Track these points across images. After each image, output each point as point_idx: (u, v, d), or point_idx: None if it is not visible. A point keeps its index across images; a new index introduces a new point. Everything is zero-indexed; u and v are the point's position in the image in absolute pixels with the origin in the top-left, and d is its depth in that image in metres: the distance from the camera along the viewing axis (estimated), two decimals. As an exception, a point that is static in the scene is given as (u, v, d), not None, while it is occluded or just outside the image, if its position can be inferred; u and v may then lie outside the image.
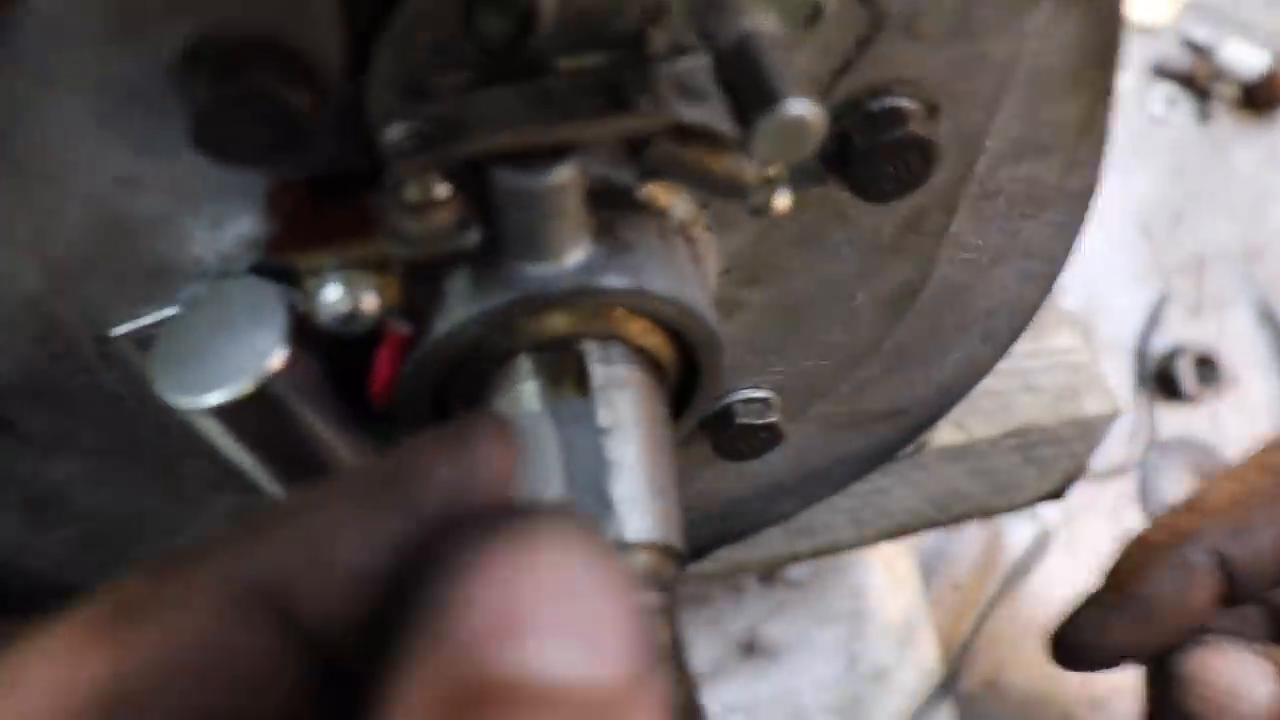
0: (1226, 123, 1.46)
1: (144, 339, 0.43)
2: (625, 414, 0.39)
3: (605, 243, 0.39)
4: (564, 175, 0.36)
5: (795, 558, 0.80)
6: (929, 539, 1.09)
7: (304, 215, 0.38)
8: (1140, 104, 1.45)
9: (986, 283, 0.55)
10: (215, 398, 0.39)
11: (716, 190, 0.40)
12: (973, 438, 0.77)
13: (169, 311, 0.42)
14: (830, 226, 0.49)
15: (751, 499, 0.66)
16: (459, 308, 0.38)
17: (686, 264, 0.43)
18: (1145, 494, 1.21)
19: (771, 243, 0.49)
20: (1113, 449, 1.23)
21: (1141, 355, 1.30)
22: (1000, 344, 0.60)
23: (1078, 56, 0.46)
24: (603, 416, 0.38)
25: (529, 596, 0.22)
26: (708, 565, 0.74)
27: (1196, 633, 0.62)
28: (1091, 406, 0.79)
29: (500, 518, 0.24)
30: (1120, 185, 1.39)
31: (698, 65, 0.37)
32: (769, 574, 0.99)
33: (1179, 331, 1.33)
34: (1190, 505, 0.65)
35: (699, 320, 0.41)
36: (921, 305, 0.55)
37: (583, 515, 0.29)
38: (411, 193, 0.36)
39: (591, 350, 0.40)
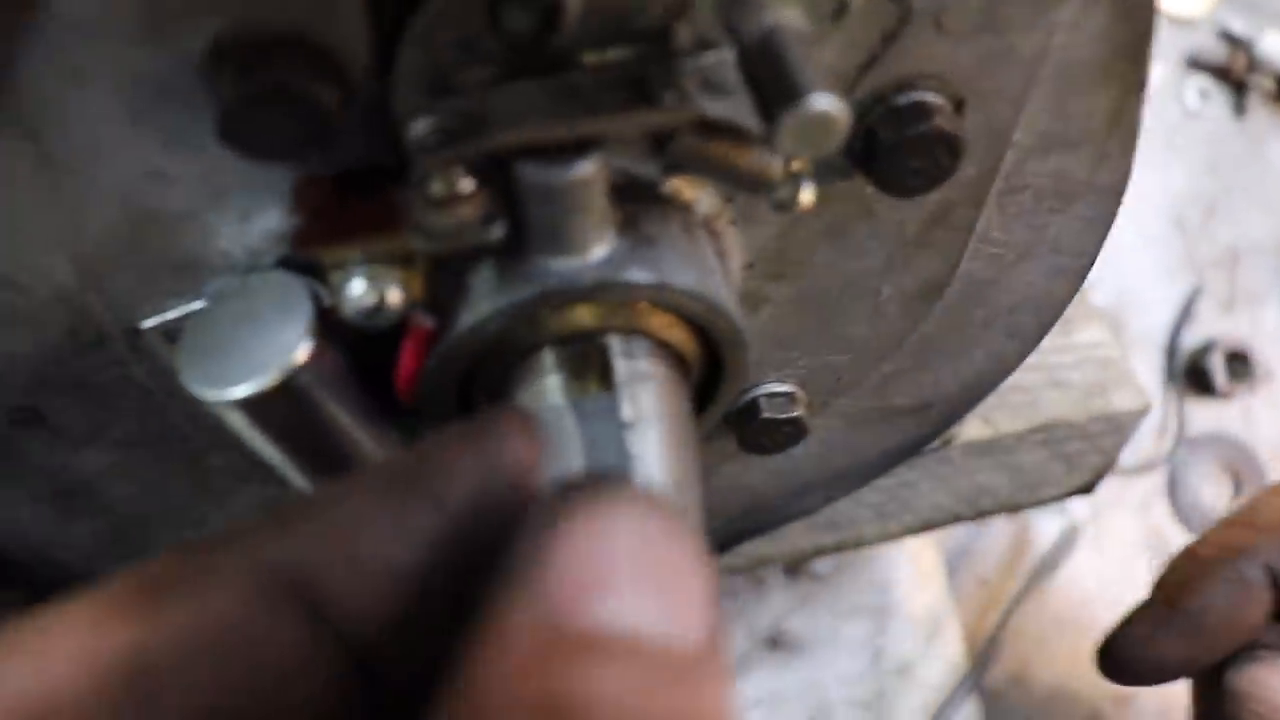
0: (1262, 115, 1.45)
1: (172, 332, 0.43)
2: (648, 408, 0.39)
3: (629, 237, 0.39)
4: (588, 170, 0.36)
5: (820, 552, 0.80)
6: (955, 533, 1.08)
7: (330, 210, 0.38)
8: (1175, 96, 1.43)
9: (1013, 278, 0.55)
10: (241, 391, 0.39)
11: (741, 185, 0.40)
12: (1000, 433, 0.76)
13: (196, 305, 0.43)
14: (855, 221, 0.49)
15: (776, 493, 0.66)
16: (483, 302, 0.38)
17: (710, 258, 0.43)
18: (1175, 490, 1.21)
19: (796, 237, 0.49)
20: (1142, 444, 1.22)
21: (1173, 350, 1.29)
22: (1027, 340, 0.59)
23: (1107, 49, 0.46)
24: (625, 411, 0.38)
25: (612, 559, 0.23)
26: (732, 559, 0.74)
27: (1248, 648, 0.62)
28: (1120, 402, 0.78)
29: (580, 489, 0.25)
30: (1153, 178, 1.38)
31: (722, 60, 0.37)
32: (794, 568, 0.99)
33: (1211, 326, 1.32)
34: (1242, 520, 0.65)
35: (723, 315, 0.41)
36: (947, 300, 0.54)
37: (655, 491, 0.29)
38: (436, 187, 0.36)
39: (615, 344, 0.40)
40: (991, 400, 0.65)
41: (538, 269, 0.38)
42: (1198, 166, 1.41)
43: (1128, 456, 1.17)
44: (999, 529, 1.12)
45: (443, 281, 0.39)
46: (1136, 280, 1.32)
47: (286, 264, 0.41)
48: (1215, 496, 1.21)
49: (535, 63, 0.36)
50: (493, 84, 0.35)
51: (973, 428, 0.76)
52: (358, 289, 0.38)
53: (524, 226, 0.37)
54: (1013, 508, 0.84)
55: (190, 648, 0.24)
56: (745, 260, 0.48)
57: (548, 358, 0.40)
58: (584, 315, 0.39)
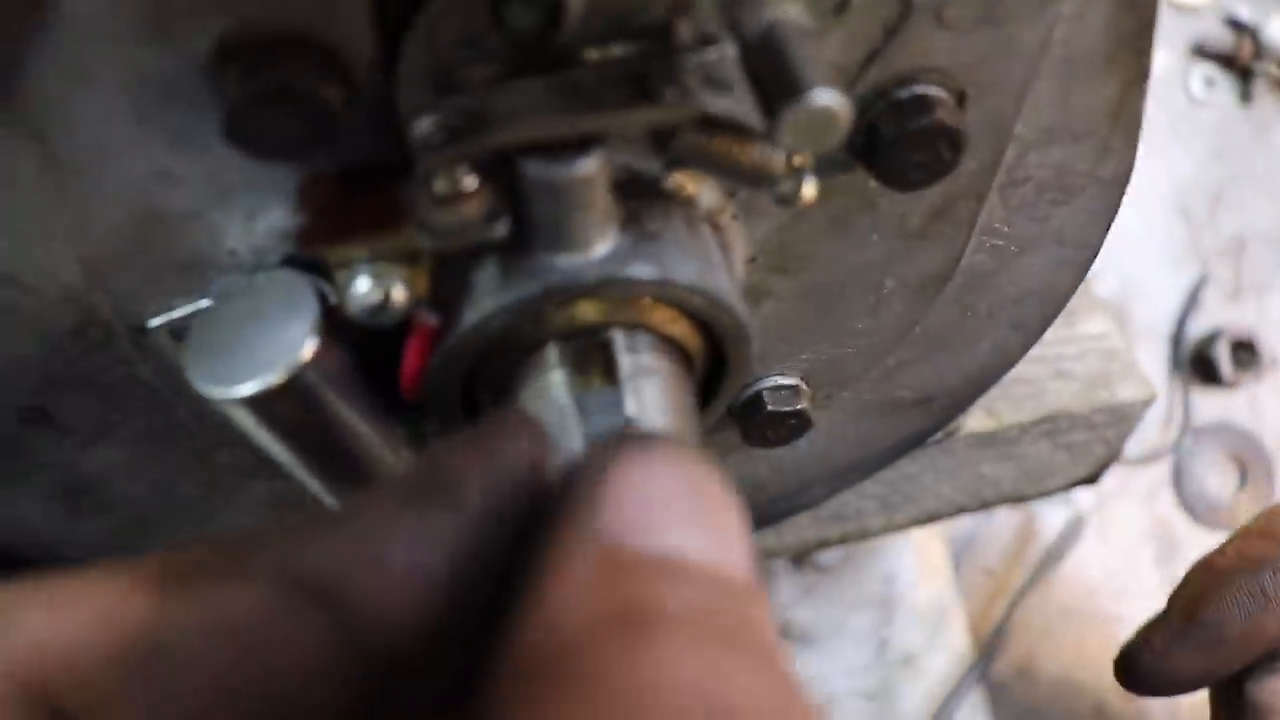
0: (1268, 103, 1.44)
1: (178, 330, 0.43)
2: (652, 402, 0.39)
3: (632, 233, 0.40)
4: (591, 166, 0.36)
5: (824, 544, 0.80)
6: (961, 525, 1.09)
7: (335, 208, 0.38)
8: (1180, 84, 1.43)
9: (1016, 270, 0.55)
10: (247, 388, 0.39)
11: (743, 180, 0.40)
12: (1003, 424, 0.76)
13: (203, 303, 0.43)
14: (858, 214, 0.49)
15: (780, 486, 0.66)
16: (487, 298, 0.39)
17: (713, 253, 0.43)
18: (1180, 480, 1.21)
19: (799, 231, 0.49)
20: (1148, 434, 1.22)
21: (1178, 339, 1.29)
22: (1031, 331, 0.59)
23: (1109, 41, 0.46)
24: (629, 405, 0.38)
25: (657, 497, 0.26)
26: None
27: (1267, 659, 0.62)
28: (1124, 393, 0.78)
29: (618, 443, 0.27)
30: (1158, 167, 1.38)
31: (724, 56, 0.37)
32: (799, 560, 1.00)
33: (1217, 315, 1.32)
34: (1260, 531, 0.65)
35: (726, 309, 0.41)
36: (950, 293, 0.54)
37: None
38: (441, 185, 0.36)
39: (618, 339, 0.40)
40: (995, 392, 0.65)
41: (541, 265, 0.38)
42: (1203, 155, 1.41)
43: (1133, 447, 1.17)
44: (1004, 520, 1.12)
45: (447, 278, 0.39)
46: (1142, 270, 1.32)
47: (292, 262, 0.41)
48: (1221, 486, 1.21)
49: (538, 60, 0.36)
50: (496, 82, 0.36)
51: (977, 419, 0.76)
52: (363, 287, 0.38)
53: (528, 223, 0.38)
54: (1017, 499, 0.84)
55: (210, 636, 0.24)
56: (748, 254, 0.48)
57: (552, 353, 0.40)
58: (588, 311, 0.40)
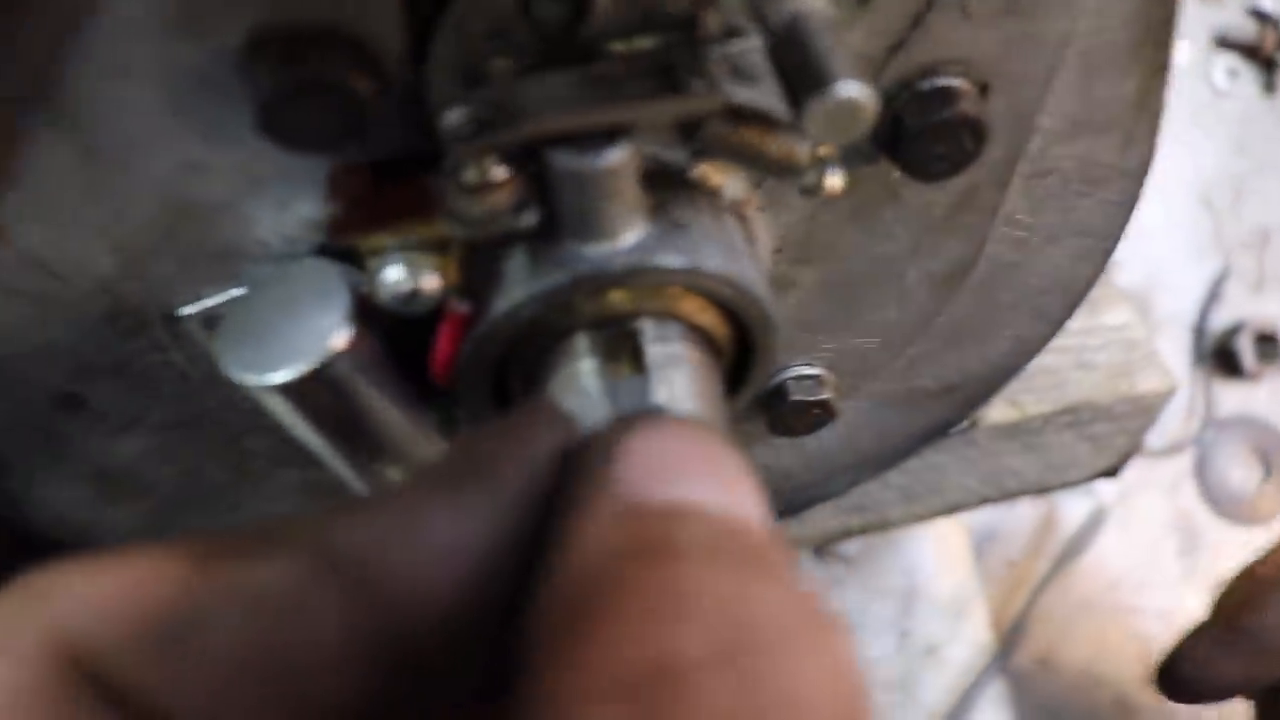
0: (1291, 94, 1.44)
1: (211, 319, 0.44)
2: (680, 391, 0.39)
3: (660, 222, 0.40)
4: (619, 157, 0.37)
5: (847, 534, 0.81)
6: (983, 516, 1.09)
7: (366, 198, 0.39)
8: (1203, 75, 1.42)
9: (1039, 261, 0.55)
10: (280, 376, 0.40)
11: (769, 170, 0.41)
12: (1026, 415, 0.76)
13: (235, 292, 0.43)
14: (882, 205, 0.49)
15: (804, 475, 0.66)
16: (517, 287, 0.39)
17: (740, 243, 0.43)
18: (1203, 472, 1.20)
19: (824, 221, 0.49)
20: (1170, 426, 1.22)
21: (1201, 331, 1.28)
22: (1053, 322, 0.60)
23: (1133, 33, 0.46)
24: (658, 393, 0.39)
25: (673, 458, 0.27)
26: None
27: None
28: (1146, 384, 0.78)
29: (633, 417, 0.29)
30: (1182, 159, 1.37)
31: (750, 47, 0.37)
32: (822, 550, 1.00)
33: (1240, 307, 1.31)
34: None
35: (754, 298, 0.42)
36: (973, 283, 0.55)
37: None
38: (470, 175, 0.36)
39: (647, 328, 0.40)
40: (1018, 382, 0.65)
41: (570, 255, 0.39)
42: (1226, 146, 1.40)
43: (1155, 438, 1.16)
44: (1026, 511, 1.12)
45: (477, 267, 0.40)
46: (1164, 261, 1.31)
47: (323, 251, 0.42)
48: (1243, 478, 1.21)
49: (566, 52, 0.36)
50: (525, 74, 0.36)
51: (999, 410, 0.76)
52: (394, 275, 0.39)
53: (557, 213, 0.38)
54: (1039, 490, 0.84)
55: (237, 606, 0.24)
56: (774, 244, 0.49)
57: (581, 342, 0.40)
58: (617, 300, 0.40)
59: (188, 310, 0.44)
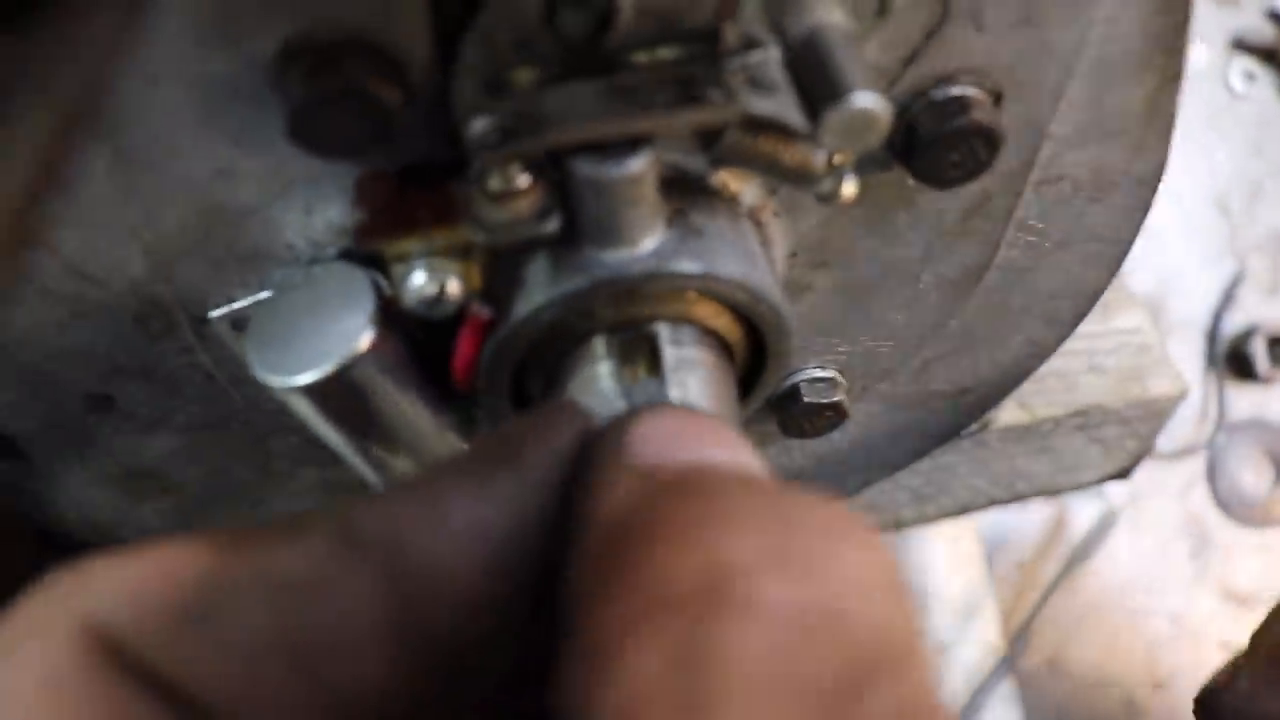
0: (1308, 97, 1.44)
1: (239, 321, 0.45)
2: (695, 393, 0.40)
3: (678, 229, 0.41)
4: (639, 166, 0.37)
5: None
6: (993, 517, 1.09)
7: (392, 204, 0.40)
8: (1219, 79, 1.43)
9: (1051, 266, 0.56)
10: (306, 377, 0.41)
11: (785, 178, 0.41)
12: (1037, 418, 0.77)
13: (262, 295, 0.44)
14: (896, 210, 0.50)
15: (816, 475, 0.67)
16: (538, 291, 0.40)
17: (756, 248, 0.44)
18: (1214, 475, 1.21)
19: (839, 227, 0.50)
20: (1182, 429, 1.23)
21: (1214, 335, 1.29)
22: (1064, 326, 0.60)
23: (1144, 42, 0.47)
24: (673, 395, 0.40)
25: (684, 432, 0.28)
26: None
27: None
28: (1157, 387, 0.79)
29: (637, 408, 0.30)
30: (1197, 162, 1.37)
31: (768, 58, 0.38)
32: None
33: (1254, 311, 1.31)
34: None
35: (767, 303, 0.42)
36: (985, 287, 0.55)
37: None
38: (494, 183, 0.37)
39: (663, 332, 0.41)
40: (1029, 385, 0.66)
41: (590, 260, 0.40)
42: (1242, 149, 1.40)
43: (1167, 442, 1.17)
44: (1036, 514, 1.13)
45: (499, 272, 0.41)
46: (1179, 264, 1.32)
47: (349, 255, 0.43)
48: (1255, 482, 1.21)
49: (589, 63, 0.37)
50: (548, 84, 0.37)
51: (1010, 412, 0.77)
52: (419, 280, 0.40)
53: (578, 219, 0.39)
54: (1050, 492, 0.85)
55: (263, 588, 0.25)
56: (789, 249, 0.50)
57: (599, 345, 0.41)
58: (635, 304, 0.41)
59: (216, 313, 0.45)
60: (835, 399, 0.57)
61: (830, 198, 0.42)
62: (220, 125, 0.39)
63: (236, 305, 0.45)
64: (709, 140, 0.40)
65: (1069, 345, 0.63)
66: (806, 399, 0.56)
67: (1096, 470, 0.84)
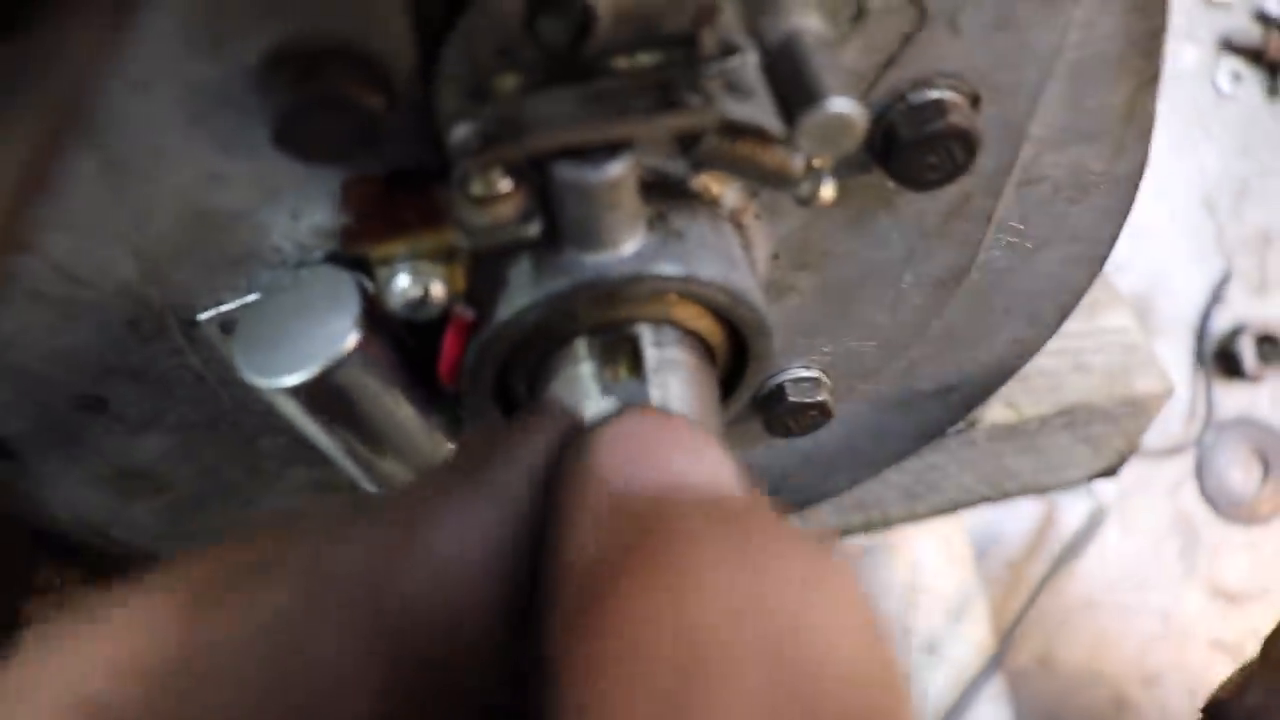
0: (1296, 97, 1.44)
1: (227, 323, 0.46)
2: (676, 394, 0.41)
3: (659, 232, 0.41)
4: (619, 170, 0.38)
5: (847, 532, 0.82)
6: (983, 515, 1.10)
7: (377, 208, 0.40)
8: (1207, 79, 1.43)
9: (1032, 266, 0.56)
10: (292, 379, 0.42)
11: (765, 181, 0.42)
12: (1023, 416, 0.78)
13: (250, 298, 0.45)
14: (877, 212, 0.50)
15: (803, 475, 0.67)
16: (521, 294, 0.41)
17: (736, 251, 0.45)
18: (1203, 473, 1.21)
19: (820, 229, 0.50)
20: (1171, 428, 1.23)
21: (1202, 333, 1.29)
22: (1047, 326, 0.61)
23: (1121, 45, 0.47)
24: (654, 396, 0.40)
25: (651, 442, 0.28)
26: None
27: None
28: (1143, 385, 0.79)
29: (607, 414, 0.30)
30: (1185, 162, 1.38)
31: (746, 63, 0.39)
32: (823, 548, 1.01)
33: (1241, 309, 1.32)
34: None
35: (747, 305, 0.43)
36: (968, 288, 0.56)
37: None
38: (477, 187, 0.38)
39: (645, 333, 0.42)
40: (1015, 384, 0.66)
41: (572, 263, 0.40)
42: (1230, 149, 1.41)
43: (1156, 440, 1.18)
44: (1027, 511, 1.13)
45: (483, 275, 0.41)
46: (1166, 264, 1.32)
47: (335, 259, 0.44)
48: (1244, 480, 1.22)
49: (569, 69, 0.38)
50: (530, 90, 0.38)
51: (997, 411, 0.77)
52: (403, 283, 0.40)
53: (559, 223, 0.40)
54: (1037, 490, 0.85)
55: (239, 648, 0.24)
56: (771, 251, 0.50)
57: (581, 346, 0.42)
58: (616, 306, 0.41)
59: (205, 315, 0.46)
60: (820, 399, 0.57)
61: (809, 200, 0.43)
62: (208, 131, 0.39)
63: (225, 308, 0.45)
64: (689, 144, 0.40)
65: (1055, 344, 0.63)
66: (791, 398, 0.57)
67: (1084, 469, 0.85)
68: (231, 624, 0.25)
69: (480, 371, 0.43)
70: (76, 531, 0.58)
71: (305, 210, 0.43)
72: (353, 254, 0.41)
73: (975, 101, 0.46)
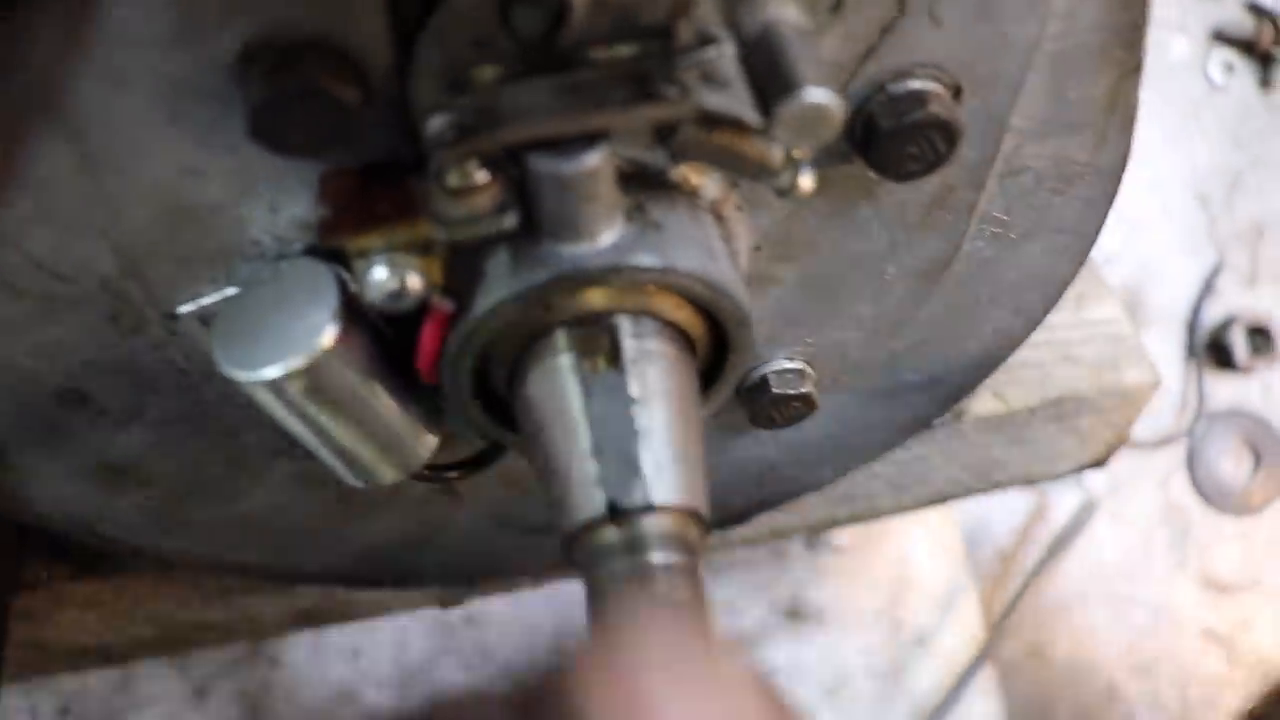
0: (1288, 89, 1.44)
1: (207, 316, 0.46)
2: (655, 385, 0.41)
3: (637, 223, 0.41)
4: (595, 161, 0.38)
5: (835, 523, 0.82)
6: (973, 507, 1.10)
7: (354, 201, 0.40)
8: (1199, 70, 1.43)
9: (1016, 257, 0.56)
10: (271, 371, 0.42)
11: (744, 172, 0.42)
12: (1011, 408, 0.78)
13: (230, 291, 0.45)
14: (859, 203, 0.50)
15: (788, 467, 0.68)
16: (499, 285, 0.41)
17: (716, 242, 0.45)
18: (1194, 464, 1.22)
19: (802, 220, 0.50)
20: (1162, 419, 1.23)
21: (1193, 325, 1.29)
22: (1032, 317, 0.61)
23: (1102, 36, 0.47)
24: (633, 387, 0.40)
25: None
26: (748, 530, 0.76)
27: None
28: (1131, 377, 0.79)
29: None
30: (1177, 153, 1.38)
31: (723, 54, 0.39)
32: (813, 539, 1.01)
33: (1233, 301, 1.32)
34: None
35: (727, 296, 0.43)
36: (952, 279, 0.56)
37: None
38: (453, 179, 0.38)
39: (624, 325, 0.42)
40: (1003, 375, 0.66)
41: (550, 254, 0.40)
42: (1222, 141, 1.41)
43: (1147, 431, 1.18)
44: (1017, 503, 1.14)
45: (461, 267, 0.41)
46: (1158, 255, 1.32)
47: (315, 252, 0.44)
48: (1234, 470, 1.22)
49: (545, 61, 0.38)
50: (505, 81, 0.38)
51: (985, 403, 0.77)
52: (380, 275, 0.40)
53: (537, 214, 0.40)
54: (1026, 481, 0.85)
55: None
56: (753, 243, 0.50)
57: (560, 338, 0.42)
58: (594, 297, 0.41)
59: (185, 309, 0.46)
60: (804, 390, 0.57)
61: (788, 191, 0.43)
62: (185, 126, 0.39)
63: (205, 301, 0.45)
64: (666, 135, 0.40)
65: (1043, 336, 0.63)
66: (775, 390, 0.57)
67: (1073, 460, 0.85)
68: None
69: (459, 363, 0.43)
70: (63, 527, 0.58)
71: (283, 203, 0.43)
72: (329, 246, 0.41)
73: (957, 93, 0.46)
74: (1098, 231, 0.58)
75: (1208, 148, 1.40)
